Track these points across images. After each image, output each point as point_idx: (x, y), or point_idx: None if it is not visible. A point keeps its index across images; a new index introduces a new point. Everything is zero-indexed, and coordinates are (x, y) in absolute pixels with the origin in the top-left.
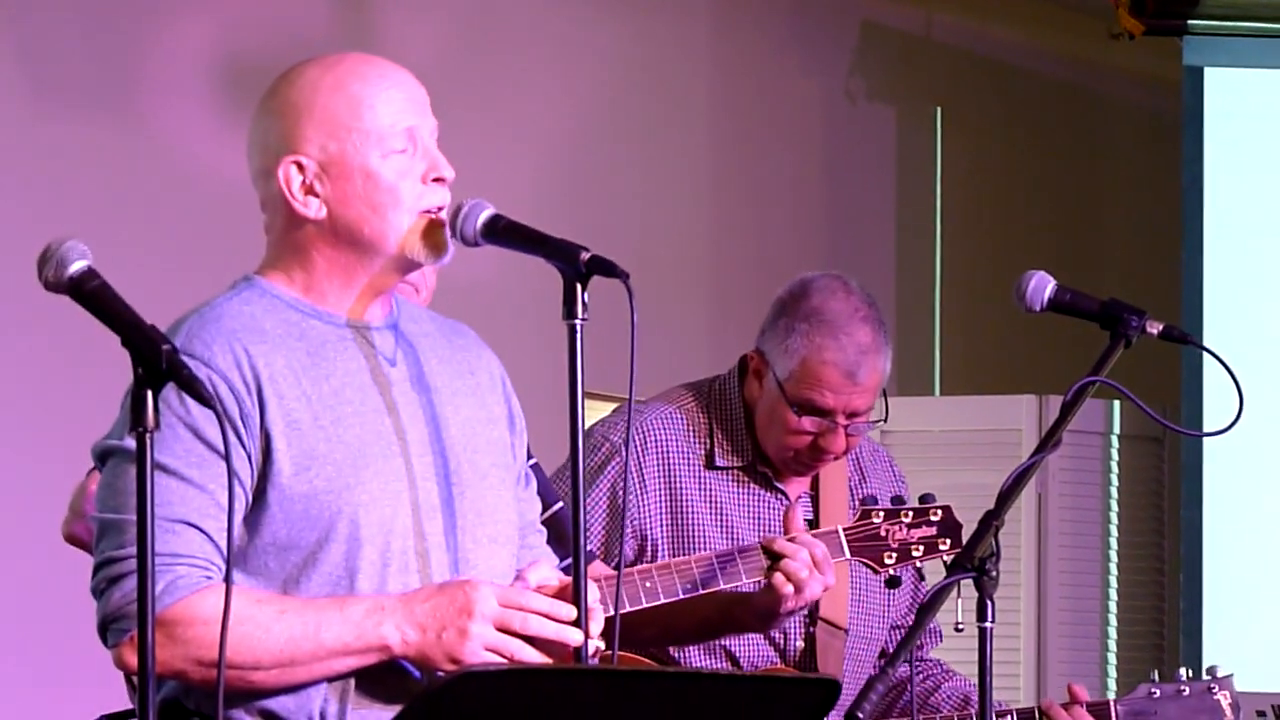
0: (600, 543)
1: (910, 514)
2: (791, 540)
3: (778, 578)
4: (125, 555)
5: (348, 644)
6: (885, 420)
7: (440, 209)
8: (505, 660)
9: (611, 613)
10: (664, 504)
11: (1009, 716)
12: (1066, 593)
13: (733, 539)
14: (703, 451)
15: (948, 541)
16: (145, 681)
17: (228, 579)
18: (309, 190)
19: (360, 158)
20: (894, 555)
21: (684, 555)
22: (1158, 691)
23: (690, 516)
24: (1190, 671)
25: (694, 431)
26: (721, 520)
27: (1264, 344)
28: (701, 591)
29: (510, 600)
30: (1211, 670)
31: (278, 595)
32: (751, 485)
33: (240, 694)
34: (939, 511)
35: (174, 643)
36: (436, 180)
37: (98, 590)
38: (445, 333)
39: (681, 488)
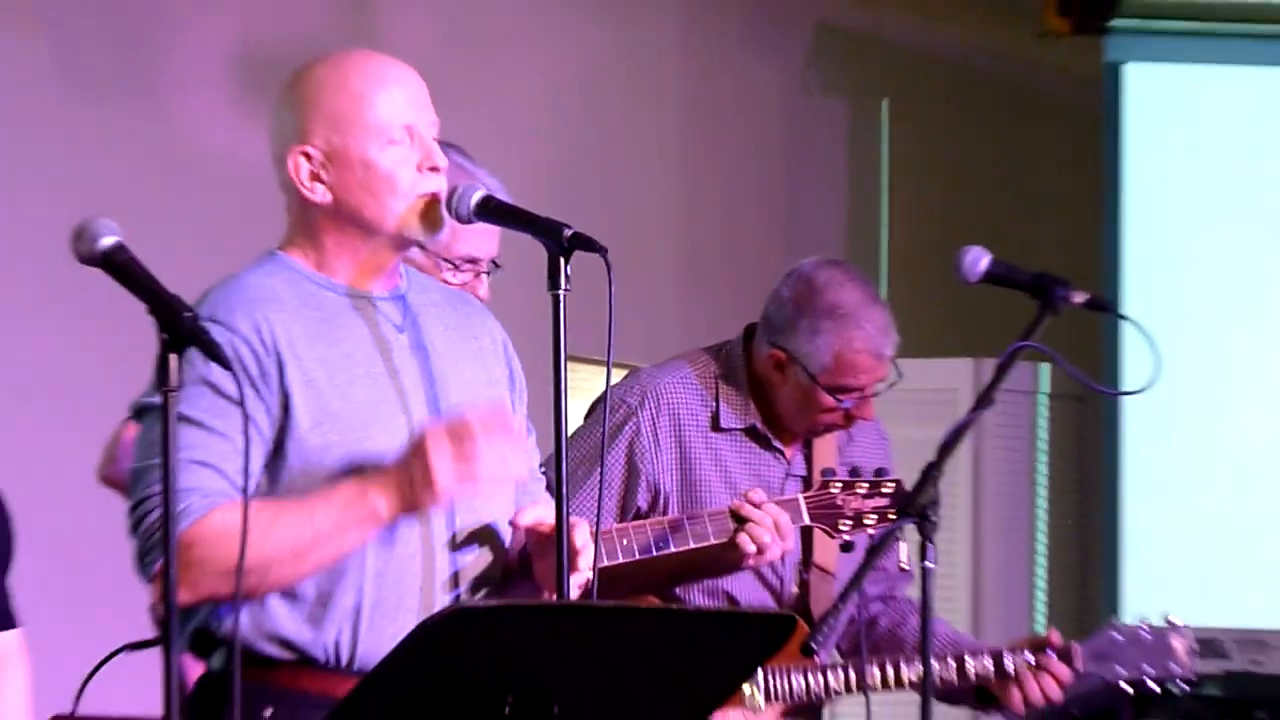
0: (619, 494)
1: (865, 486)
2: (757, 507)
3: (742, 537)
4: (148, 495)
5: (339, 523)
6: (900, 378)
7: (436, 193)
8: (473, 476)
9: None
10: (675, 460)
11: (983, 657)
12: (999, 536)
13: (734, 492)
14: (709, 414)
15: (896, 541)
16: (169, 607)
17: (245, 504)
18: (315, 177)
19: (361, 149)
20: (849, 523)
21: (691, 506)
22: (1119, 636)
23: (697, 472)
24: (1149, 619)
25: (703, 395)
26: (725, 476)
27: (1176, 312)
28: (673, 549)
29: (456, 429)
30: (1168, 617)
31: (273, 502)
32: (753, 445)
33: (270, 588)
34: (891, 484)
35: (192, 564)
36: (432, 169)
37: (132, 529)
38: (452, 302)
39: (690, 446)
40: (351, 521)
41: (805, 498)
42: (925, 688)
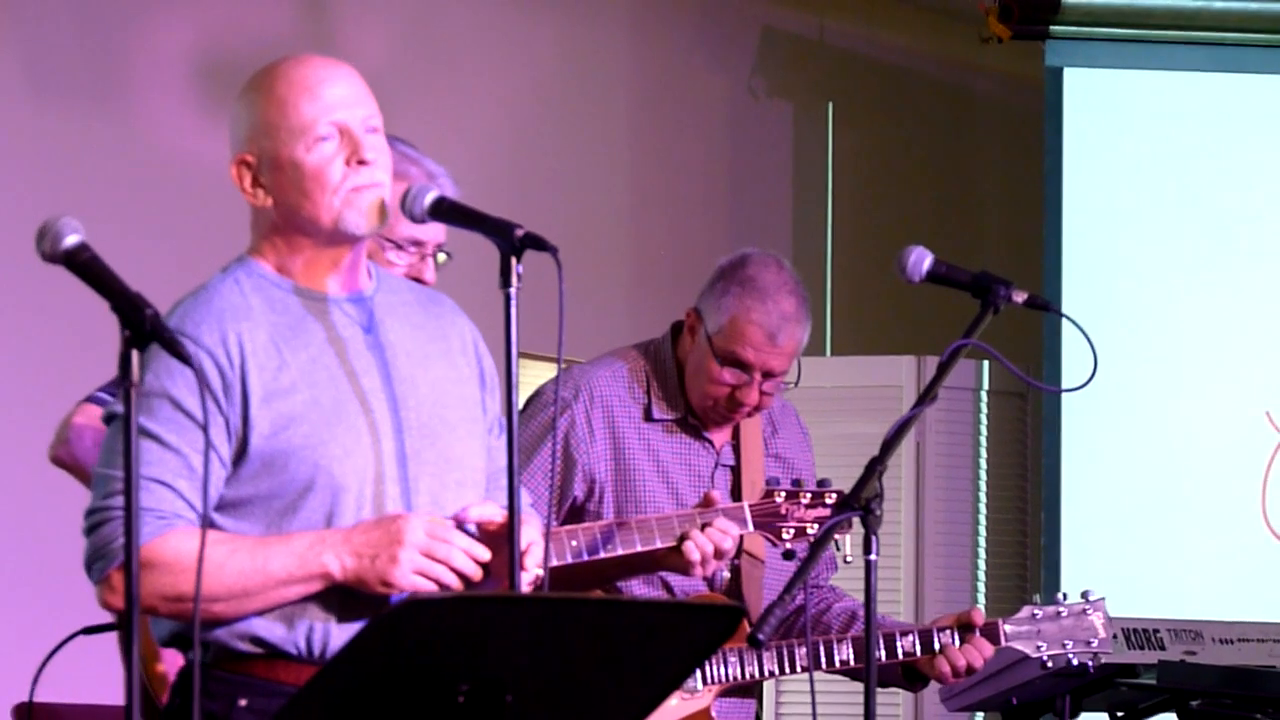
0: (557, 484)
1: (808, 496)
2: (705, 528)
3: (688, 547)
4: (106, 506)
5: (292, 573)
6: (796, 384)
7: (370, 186)
8: (431, 582)
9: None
10: (609, 450)
11: (911, 635)
12: (941, 530)
13: (667, 481)
14: (641, 406)
15: (841, 534)
16: (130, 614)
17: (203, 528)
18: (256, 183)
19: (289, 151)
20: (791, 531)
21: (626, 494)
22: (1039, 613)
23: (631, 461)
24: (1067, 595)
25: (634, 388)
26: (657, 465)
27: (1114, 311)
28: (620, 551)
29: (436, 533)
30: (1085, 594)
31: (231, 536)
32: (683, 435)
33: (204, 624)
34: (834, 495)
35: (143, 581)
36: (360, 163)
37: (86, 532)
38: (422, 301)
39: (623, 437)
40: (302, 575)
41: (751, 505)
42: (869, 671)
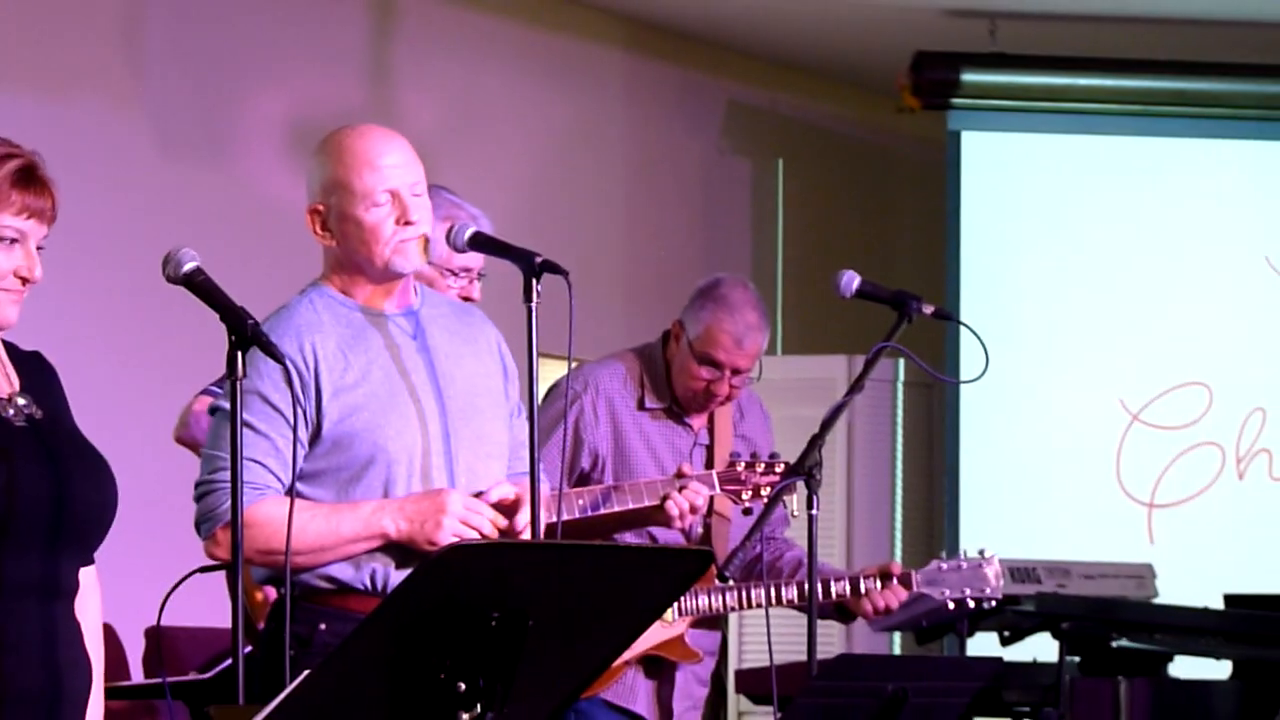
0: (569, 457)
1: (762, 465)
2: (682, 490)
3: (669, 504)
4: (211, 479)
5: (358, 533)
6: (759, 378)
7: (413, 239)
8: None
9: (553, 517)
10: (609, 432)
11: (843, 581)
12: (866, 492)
13: (655, 456)
14: (635, 397)
15: (789, 495)
16: (236, 560)
17: (291, 495)
18: (325, 227)
19: (351, 209)
20: (749, 493)
21: (622, 465)
22: (945, 565)
23: (627, 441)
24: (967, 552)
25: (630, 382)
26: (647, 444)
27: (1002, 320)
28: (615, 507)
29: (471, 505)
30: (981, 551)
31: (311, 504)
32: (668, 421)
33: (291, 571)
34: (783, 465)
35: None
36: (407, 223)
37: (196, 499)
38: (457, 313)
39: (621, 422)
40: (366, 535)
41: (718, 473)
42: (811, 606)
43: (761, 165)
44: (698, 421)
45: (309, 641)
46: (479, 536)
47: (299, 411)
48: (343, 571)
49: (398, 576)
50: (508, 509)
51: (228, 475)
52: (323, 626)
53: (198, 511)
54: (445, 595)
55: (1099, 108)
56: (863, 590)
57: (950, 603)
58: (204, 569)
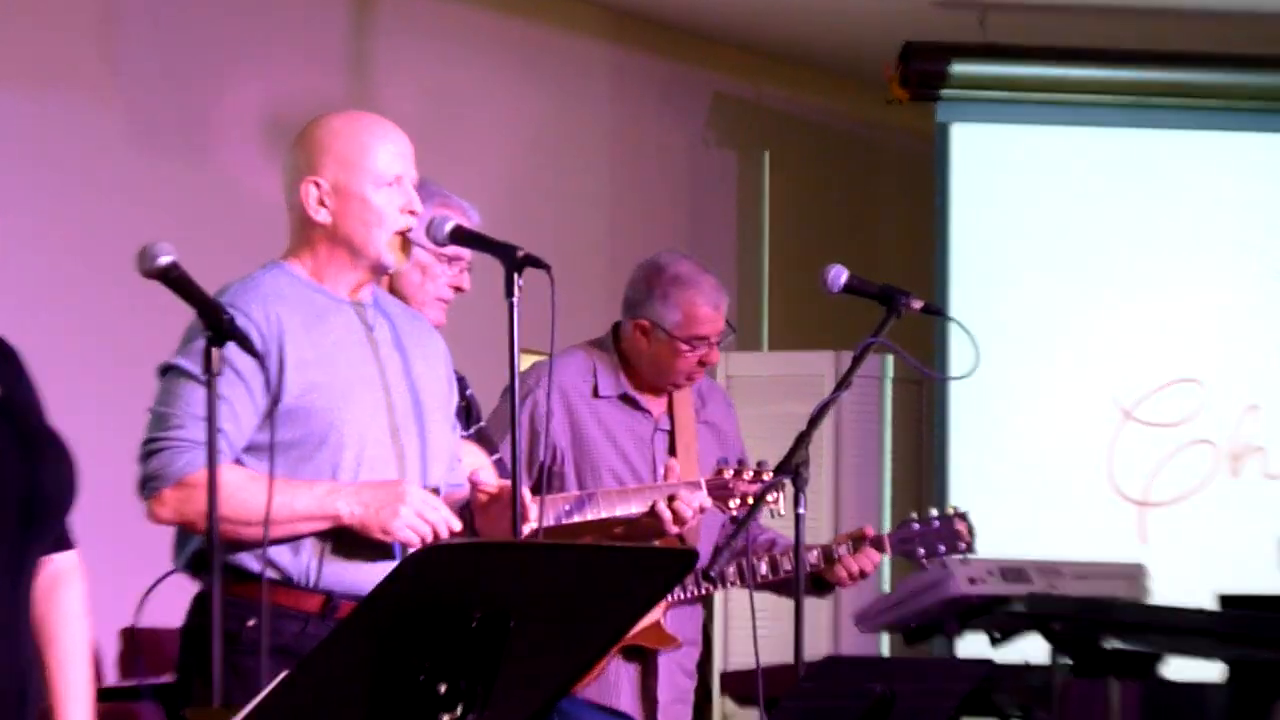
0: (525, 452)
1: (750, 473)
2: (672, 500)
3: (660, 507)
4: (163, 436)
5: (311, 511)
6: (734, 332)
7: (407, 230)
8: (418, 537)
9: (535, 524)
10: (565, 424)
11: (815, 550)
12: (854, 488)
13: (614, 444)
14: (590, 386)
15: (775, 494)
16: (212, 543)
17: (211, 463)
18: (321, 203)
19: (360, 187)
20: (736, 501)
21: (582, 455)
22: (917, 525)
23: (585, 430)
24: (938, 510)
25: (584, 373)
26: (606, 432)
27: (992, 315)
28: (603, 515)
29: (429, 501)
30: (954, 508)
31: (265, 475)
32: (625, 407)
33: (235, 542)
34: (770, 474)
35: (190, 500)
36: (410, 212)
37: (142, 459)
38: (408, 317)
39: (577, 411)
40: (319, 515)
41: (707, 480)
42: (798, 595)
43: (747, 158)
44: (656, 407)
45: (237, 637)
46: (431, 532)
47: (259, 375)
48: (280, 555)
49: (334, 570)
50: (487, 500)
51: (181, 434)
52: (251, 622)
53: (142, 472)
54: (425, 595)
55: (1091, 99)
56: (836, 556)
57: (924, 560)
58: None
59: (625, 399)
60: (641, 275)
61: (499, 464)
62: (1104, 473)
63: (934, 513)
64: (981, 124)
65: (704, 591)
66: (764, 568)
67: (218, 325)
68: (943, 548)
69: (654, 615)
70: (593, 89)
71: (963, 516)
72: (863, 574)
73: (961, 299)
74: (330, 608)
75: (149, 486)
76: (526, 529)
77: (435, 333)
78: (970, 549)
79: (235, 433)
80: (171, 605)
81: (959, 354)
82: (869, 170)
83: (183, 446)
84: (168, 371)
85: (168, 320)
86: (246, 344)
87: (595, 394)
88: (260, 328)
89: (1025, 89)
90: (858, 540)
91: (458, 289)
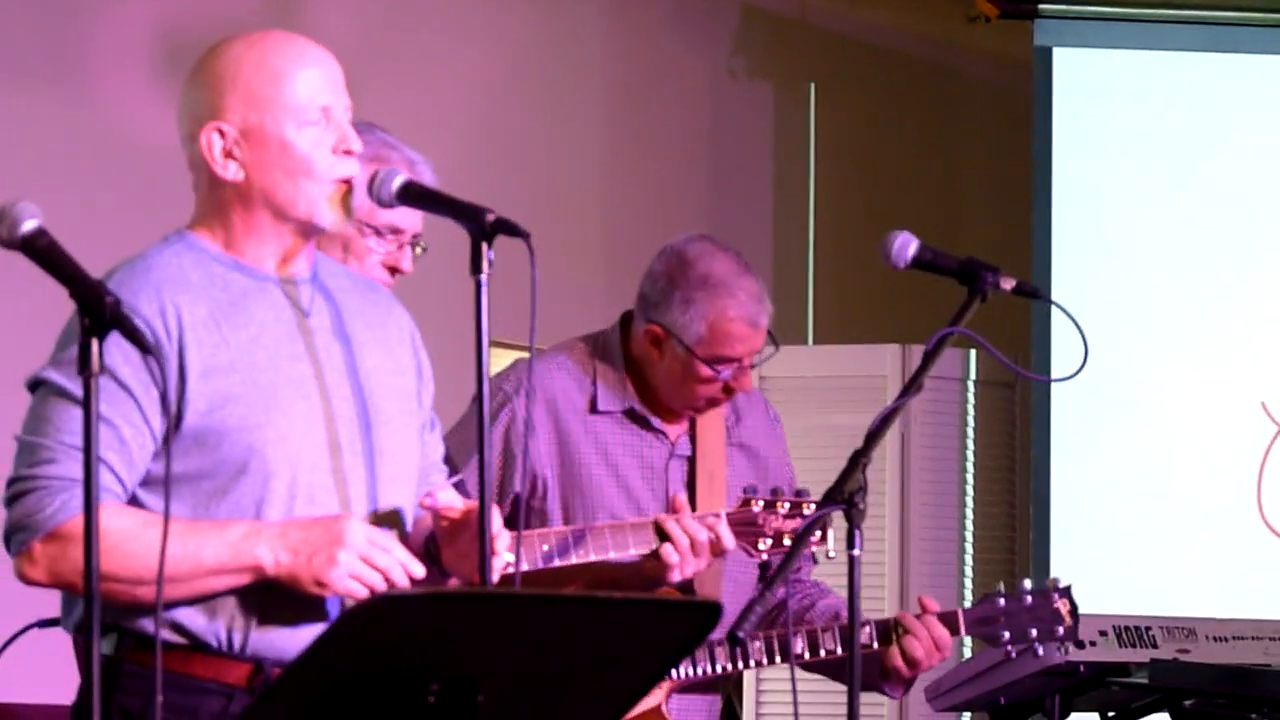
0: (496, 482)
1: (786, 505)
2: (679, 523)
3: (665, 549)
4: (31, 475)
5: (224, 563)
6: (777, 349)
7: (350, 179)
8: (365, 588)
9: (510, 559)
10: (553, 446)
11: (868, 626)
12: (926, 524)
13: (616, 475)
14: (587, 398)
15: (819, 533)
16: (90, 590)
17: (88, 503)
18: (228, 155)
19: (277, 128)
20: (768, 542)
21: (572, 489)
22: (1003, 601)
23: (577, 455)
24: (1032, 583)
25: (580, 380)
26: (606, 458)
27: (1105, 298)
28: (594, 558)
29: (377, 541)
30: (1053, 581)
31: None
32: (633, 427)
33: (127, 607)
34: (812, 505)
35: (64, 556)
36: (346, 152)
37: (6, 502)
38: (360, 289)
39: (568, 431)
40: (234, 566)
41: (729, 514)
42: (853, 668)
43: (787, 92)
44: (675, 428)
45: (143, 718)
46: (382, 581)
47: (153, 390)
48: (192, 619)
49: (264, 633)
50: (450, 526)
51: (53, 470)
52: (161, 698)
53: (9, 519)
54: (369, 660)
55: (1232, 16)
56: (893, 637)
57: (1011, 649)
58: (46, 623)
59: (632, 415)
60: (662, 268)
61: (459, 489)
62: (1251, 502)
63: (1027, 585)
64: (1092, 49)
65: (723, 669)
66: (800, 645)
67: (97, 312)
68: (1034, 632)
69: (654, 699)
70: (587, 3)
71: (1064, 592)
72: (928, 659)
73: (1066, 277)
74: (260, 679)
75: (15, 540)
76: (498, 565)
77: (398, 306)
78: (1070, 636)
79: (123, 464)
80: (36, 673)
81: (1062, 348)
82: (946, 109)
83: (55, 487)
84: (37, 388)
85: (42, 297)
86: (138, 338)
87: (593, 408)
88: (154, 328)
89: (1147, 4)
90: (921, 615)
91: (394, 270)
